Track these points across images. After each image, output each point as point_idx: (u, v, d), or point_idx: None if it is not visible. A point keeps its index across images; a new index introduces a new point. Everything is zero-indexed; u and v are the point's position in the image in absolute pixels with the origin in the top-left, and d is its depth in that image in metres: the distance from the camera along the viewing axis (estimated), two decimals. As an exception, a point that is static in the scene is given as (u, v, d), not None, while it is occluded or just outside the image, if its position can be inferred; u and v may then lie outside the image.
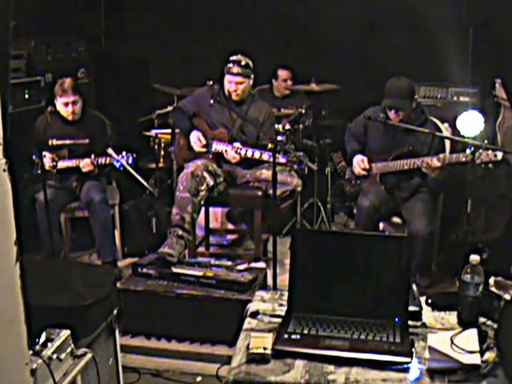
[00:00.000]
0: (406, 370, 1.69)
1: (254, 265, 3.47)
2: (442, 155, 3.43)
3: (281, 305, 2.09)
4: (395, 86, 3.54)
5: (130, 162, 3.85)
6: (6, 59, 1.82)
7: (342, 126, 4.27)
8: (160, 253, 3.47)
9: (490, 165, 3.25)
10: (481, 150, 3.23)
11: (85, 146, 3.99)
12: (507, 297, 2.00)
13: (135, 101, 5.50)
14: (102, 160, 3.89)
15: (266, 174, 3.67)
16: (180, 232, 3.58)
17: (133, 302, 3.10)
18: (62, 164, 3.93)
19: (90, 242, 4.15)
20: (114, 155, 3.84)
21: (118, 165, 3.84)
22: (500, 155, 3.22)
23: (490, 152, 3.22)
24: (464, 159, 3.32)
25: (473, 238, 3.90)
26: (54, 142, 3.94)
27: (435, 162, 3.42)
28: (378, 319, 1.90)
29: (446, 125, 4.17)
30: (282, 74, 5.05)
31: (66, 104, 3.91)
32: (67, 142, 3.97)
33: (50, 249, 3.71)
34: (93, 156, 3.89)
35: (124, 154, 3.87)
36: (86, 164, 3.91)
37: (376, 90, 3.69)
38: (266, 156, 3.60)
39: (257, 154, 3.65)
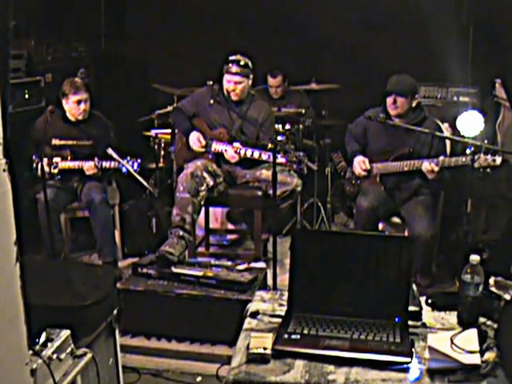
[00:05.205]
0: (406, 370, 1.69)
1: (253, 265, 3.46)
2: (440, 159, 3.44)
3: (281, 305, 2.09)
4: (399, 77, 3.62)
5: (135, 167, 3.78)
6: (6, 59, 1.82)
7: (342, 125, 4.27)
8: (161, 251, 3.47)
9: (489, 169, 3.26)
10: (480, 154, 3.24)
11: (87, 147, 3.96)
12: (507, 297, 2.00)
13: (135, 101, 5.50)
14: (106, 164, 3.87)
15: (266, 174, 3.67)
16: (181, 233, 3.58)
17: (133, 302, 3.11)
18: (64, 165, 3.91)
19: (91, 242, 4.15)
20: (116, 157, 3.80)
21: (123, 170, 3.79)
22: (499, 160, 3.23)
23: (488, 157, 3.24)
24: (462, 163, 3.35)
25: (473, 238, 3.90)
26: (57, 142, 3.91)
27: (433, 167, 3.44)
28: (377, 319, 1.90)
29: (446, 125, 4.17)
30: (272, 82, 4.99)
31: (79, 102, 3.89)
32: (69, 142, 3.94)
33: (51, 249, 3.70)
34: (96, 159, 3.86)
35: (129, 158, 3.81)
36: (89, 167, 3.88)
37: (376, 90, 3.70)
38: (265, 156, 3.60)
39: (256, 154, 3.65)
